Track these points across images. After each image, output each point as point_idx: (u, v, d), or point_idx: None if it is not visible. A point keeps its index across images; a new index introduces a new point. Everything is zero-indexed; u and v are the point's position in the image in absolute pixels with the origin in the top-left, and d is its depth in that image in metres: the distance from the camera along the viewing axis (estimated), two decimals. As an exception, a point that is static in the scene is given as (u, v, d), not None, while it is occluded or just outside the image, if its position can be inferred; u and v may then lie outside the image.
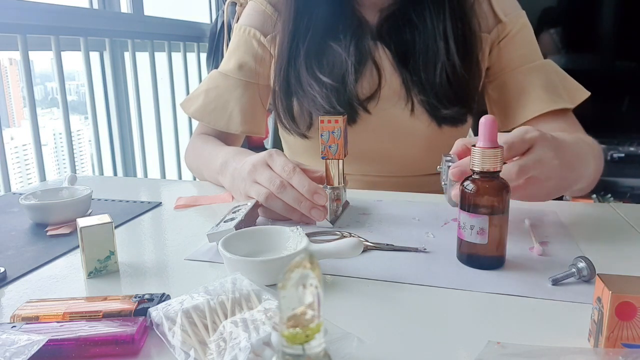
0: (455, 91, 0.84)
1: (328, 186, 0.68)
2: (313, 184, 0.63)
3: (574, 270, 0.49)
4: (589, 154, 0.72)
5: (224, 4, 1.06)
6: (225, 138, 0.95)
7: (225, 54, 0.99)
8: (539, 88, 0.86)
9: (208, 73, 1.04)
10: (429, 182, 0.93)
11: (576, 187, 0.70)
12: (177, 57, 1.96)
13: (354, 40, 0.85)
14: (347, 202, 0.75)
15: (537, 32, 0.88)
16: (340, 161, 0.68)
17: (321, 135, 0.67)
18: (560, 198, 0.88)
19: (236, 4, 1.00)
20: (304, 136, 0.89)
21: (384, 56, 0.86)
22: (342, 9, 0.87)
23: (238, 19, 0.99)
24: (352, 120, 0.85)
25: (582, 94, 0.89)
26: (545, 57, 0.91)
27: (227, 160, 0.78)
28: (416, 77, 0.84)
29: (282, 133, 0.98)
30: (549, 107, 0.84)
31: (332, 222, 0.67)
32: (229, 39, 1.09)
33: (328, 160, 0.68)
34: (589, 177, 0.72)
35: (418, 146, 0.89)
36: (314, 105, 0.85)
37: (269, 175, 0.65)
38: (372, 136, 0.88)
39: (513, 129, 0.89)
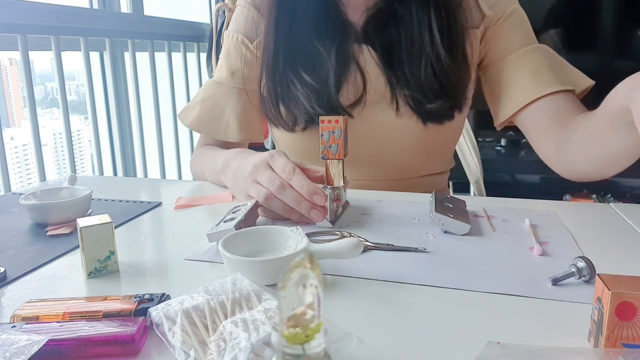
0: (441, 83, 0.83)
1: (328, 186, 0.68)
2: (312, 184, 0.63)
3: (574, 270, 0.49)
4: None
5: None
6: (227, 147, 0.95)
7: (218, 62, 0.98)
8: (526, 75, 0.82)
9: (208, 72, 1.03)
10: (423, 184, 0.92)
11: None
12: (177, 57, 1.96)
13: (337, 43, 0.84)
14: (347, 202, 0.75)
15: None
16: (340, 161, 0.68)
17: (321, 135, 0.67)
18: (560, 198, 0.88)
19: (225, 10, 0.99)
20: (291, 130, 0.89)
21: (369, 58, 0.85)
22: (325, 10, 0.86)
23: (228, 24, 0.98)
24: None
25: (585, 81, 0.83)
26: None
27: (229, 159, 0.78)
28: (400, 72, 0.84)
29: (271, 126, 0.98)
30: (535, 94, 0.81)
31: (332, 222, 0.67)
32: (218, 45, 1.08)
33: (328, 160, 0.68)
34: None
35: (407, 148, 0.88)
36: (296, 105, 0.85)
37: (270, 175, 0.65)
38: (360, 140, 0.86)
39: (505, 123, 0.87)
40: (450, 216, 0.62)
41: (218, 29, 1.05)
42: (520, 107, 0.83)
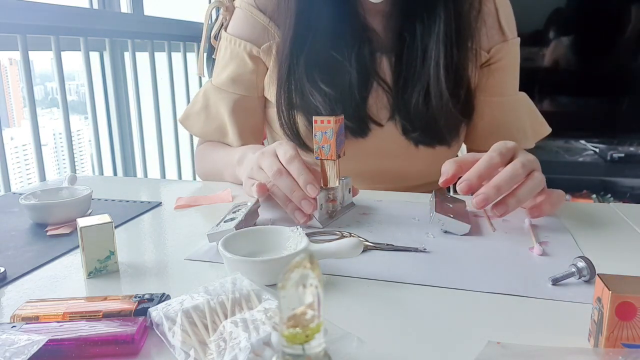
0: (431, 117, 0.82)
1: (323, 187, 0.68)
2: (310, 175, 0.63)
3: (574, 270, 0.49)
4: None
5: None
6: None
7: (217, 64, 0.97)
8: (510, 129, 0.89)
9: (208, 72, 1.03)
10: (426, 190, 0.92)
11: None
12: (177, 57, 1.95)
13: (355, 50, 0.82)
14: (352, 203, 0.75)
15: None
16: (335, 162, 0.67)
17: (315, 136, 0.67)
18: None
19: (221, 8, 0.96)
20: (303, 145, 0.86)
21: (387, 68, 0.84)
22: (345, 14, 0.83)
23: (222, 23, 0.96)
24: (363, 133, 0.84)
25: (544, 130, 0.93)
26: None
27: (245, 152, 0.79)
28: (396, 89, 0.84)
29: (271, 132, 0.97)
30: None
31: (322, 222, 0.66)
32: (209, 45, 1.06)
33: (322, 161, 0.68)
34: None
35: (407, 163, 0.88)
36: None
37: (271, 160, 0.66)
38: (377, 149, 0.86)
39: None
40: (450, 216, 0.62)
41: (212, 27, 1.02)
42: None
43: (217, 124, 0.94)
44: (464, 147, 1.21)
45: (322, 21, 0.83)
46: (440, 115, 0.82)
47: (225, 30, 0.94)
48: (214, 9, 0.97)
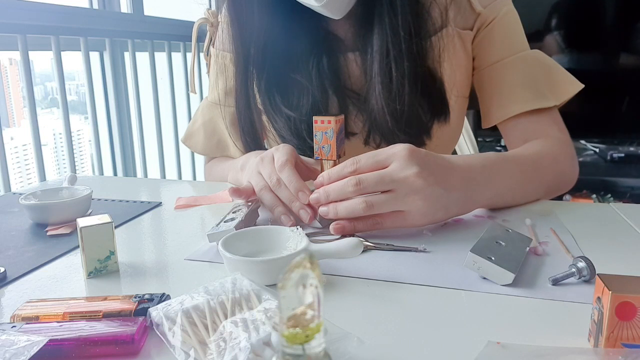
0: (391, 118, 0.78)
1: None
2: (300, 182, 0.63)
3: (574, 270, 0.49)
4: (497, 170, 0.68)
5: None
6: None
7: (209, 81, 0.97)
8: (515, 86, 0.82)
9: (208, 72, 1.03)
10: None
11: (484, 202, 0.68)
12: (177, 57, 1.96)
13: (318, 58, 0.80)
14: None
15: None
16: (335, 162, 0.67)
17: (315, 136, 0.67)
18: (560, 198, 0.87)
19: (207, 25, 0.96)
20: None
21: (355, 69, 0.82)
22: (303, 22, 0.81)
23: (211, 38, 0.96)
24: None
25: (571, 88, 0.83)
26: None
27: (248, 158, 0.79)
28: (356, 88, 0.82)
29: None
30: (521, 108, 0.81)
31: (322, 223, 0.65)
32: (199, 60, 1.06)
33: (322, 161, 0.68)
34: (508, 191, 0.70)
35: None
36: (284, 142, 0.82)
37: (271, 169, 0.65)
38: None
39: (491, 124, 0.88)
40: (491, 259, 0.49)
41: (201, 44, 1.02)
42: (507, 117, 0.83)
43: (218, 139, 0.95)
44: (462, 145, 1.21)
45: (279, 43, 0.82)
46: (402, 116, 0.78)
47: (214, 47, 0.95)
48: (199, 26, 0.97)
